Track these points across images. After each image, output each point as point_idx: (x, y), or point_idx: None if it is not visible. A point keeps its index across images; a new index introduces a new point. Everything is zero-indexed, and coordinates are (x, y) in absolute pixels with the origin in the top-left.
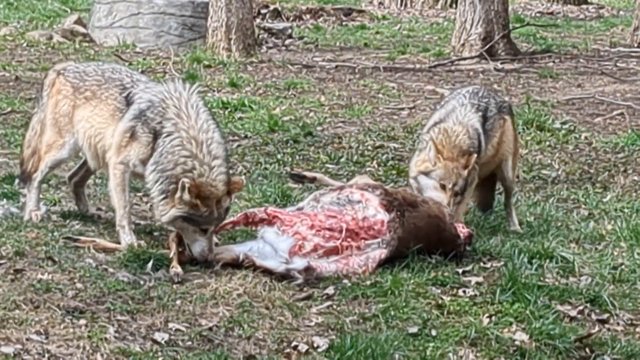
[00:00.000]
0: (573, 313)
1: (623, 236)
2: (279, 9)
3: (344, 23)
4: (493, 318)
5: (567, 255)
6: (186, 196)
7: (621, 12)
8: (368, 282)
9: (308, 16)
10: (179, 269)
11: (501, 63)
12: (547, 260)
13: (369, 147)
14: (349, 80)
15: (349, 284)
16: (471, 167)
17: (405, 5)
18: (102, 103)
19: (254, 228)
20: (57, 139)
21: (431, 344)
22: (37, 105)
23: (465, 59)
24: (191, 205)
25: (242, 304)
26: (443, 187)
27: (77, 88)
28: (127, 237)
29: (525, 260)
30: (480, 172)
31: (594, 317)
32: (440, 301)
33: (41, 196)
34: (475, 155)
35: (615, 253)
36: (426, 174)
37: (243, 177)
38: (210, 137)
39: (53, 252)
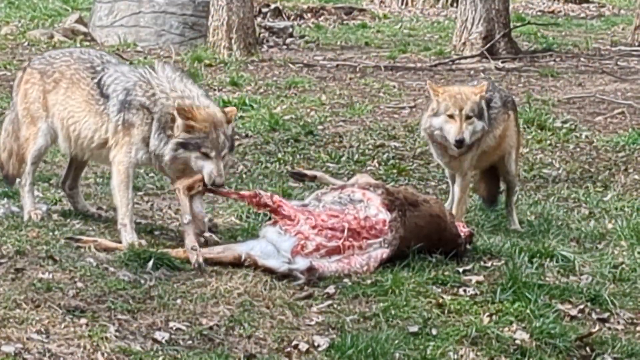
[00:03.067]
0: (573, 312)
1: (624, 235)
2: (280, 7)
3: (344, 22)
4: (493, 317)
5: (567, 254)
6: (179, 120)
7: (622, 11)
8: (368, 281)
9: (309, 15)
10: (201, 258)
11: (502, 62)
12: (548, 259)
13: (370, 146)
14: (350, 79)
15: (350, 283)
16: (484, 94)
17: (406, 4)
18: (74, 86)
19: (257, 210)
20: (31, 130)
21: (432, 343)
22: (9, 107)
23: (466, 57)
24: (187, 128)
25: (243, 303)
26: (452, 117)
27: (44, 72)
28: (128, 236)
29: (526, 259)
30: (481, 163)
31: (594, 316)
32: (440, 300)
33: (42, 196)
34: (486, 83)
35: (616, 252)
36: (435, 114)
37: (234, 107)
38: (191, 87)
39: (54, 251)
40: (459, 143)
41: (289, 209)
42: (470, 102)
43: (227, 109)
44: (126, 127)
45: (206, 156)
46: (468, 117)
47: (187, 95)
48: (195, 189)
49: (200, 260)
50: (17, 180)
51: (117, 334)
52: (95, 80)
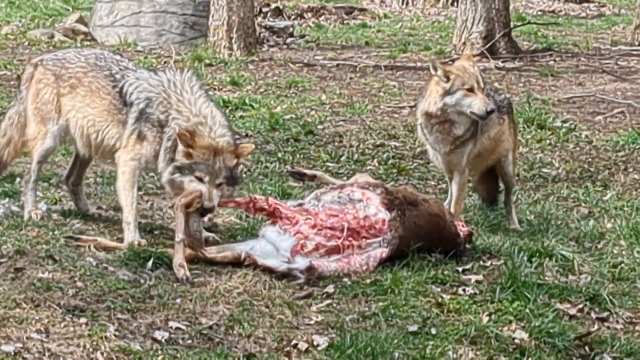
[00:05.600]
0: (573, 311)
1: (623, 234)
2: (281, 7)
3: (345, 21)
4: (493, 316)
5: (566, 253)
6: (179, 145)
7: (622, 11)
8: (368, 281)
9: (309, 14)
10: (188, 272)
11: (502, 61)
12: (547, 259)
13: (370, 146)
14: (350, 78)
15: (349, 283)
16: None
17: (407, 3)
18: (94, 95)
19: (253, 215)
20: (40, 129)
21: (431, 343)
22: (15, 99)
23: None
24: (185, 154)
25: (242, 303)
26: (471, 90)
27: (59, 76)
28: (131, 235)
29: (525, 258)
30: (476, 164)
31: (593, 315)
32: (440, 299)
33: (42, 195)
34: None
35: (615, 251)
36: (448, 92)
37: (252, 144)
38: (213, 112)
39: (54, 251)
40: (489, 113)
41: (285, 211)
42: (480, 75)
43: (243, 145)
44: (140, 138)
45: (200, 180)
46: (484, 89)
47: (208, 122)
48: (194, 206)
49: (188, 274)
50: (17, 179)
51: (117, 333)
52: (117, 90)
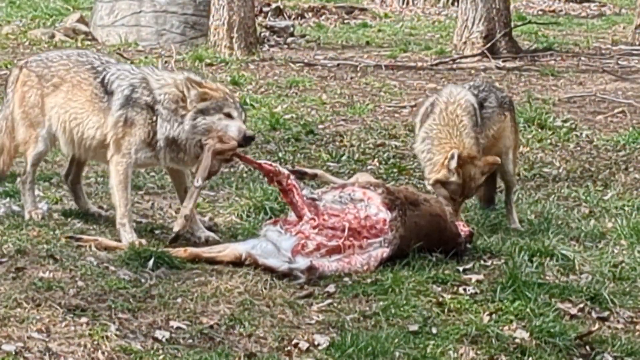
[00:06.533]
0: (573, 311)
1: (623, 234)
2: (281, 7)
3: (345, 21)
4: (493, 316)
5: (567, 253)
6: (193, 91)
7: (623, 10)
8: (369, 280)
9: (310, 14)
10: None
11: (503, 61)
12: (548, 258)
13: (371, 145)
14: (351, 78)
15: (350, 282)
16: None
17: (407, 3)
18: (76, 88)
19: (269, 183)
20: (30, 133)
21: (431, 342)
22: (2, 103)
23: (466, 57)
24: (202, 95)
25: (243, 302)
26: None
27: (42, 76)
28: (127, 235)
29: (526, 258)
30: None
31: (594, 314)
32: (440, 299)
33: (42, 195)
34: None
35: (616, 251)
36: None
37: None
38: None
39: (54, 251)
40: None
41: (297, 198)
42: None
43: None
44: (127, 124)
45: (229, 116)
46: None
47: (193, 77)
48: (224, 155)
49: (184, 232)
50: (18, 179)
51: (118, 332)
52: (99, 80)
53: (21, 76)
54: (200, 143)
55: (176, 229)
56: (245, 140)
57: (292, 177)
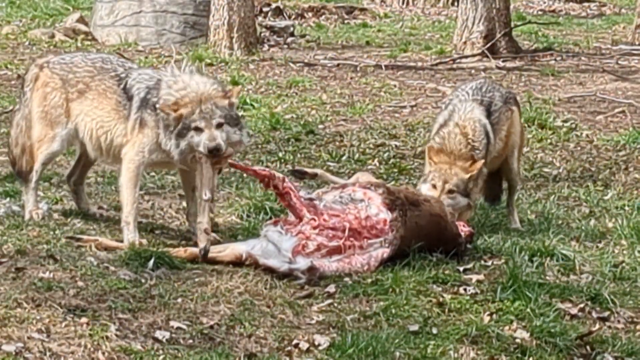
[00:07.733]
0: (574, 311)
1: (624, 234)
2: (281, 7)
3: (345, 21)
4: (494, 316)
5: (568, 253)
6: (169, 117)
7: (623, 10)
8: (369, 280)
9: (310, 14)
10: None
11: (503, 61)
12: (548, 258)
13: (371, 145)
14: (351, 78)
15: (350, 282)
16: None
17: (407, 3)
18: (101, 96)
19: (265, 189)
20: (47, 132)
21: (432, 342)
22: (19, 102)
23: (467, 56)
24: (177, 118)
25: (243, 302)
26: (434, 187)
27: (66, 80)
28: (130, 234)
29: (526, 258)
30: (492, 165)
31: (594, 314)
32: (441, 299)
33: (43, 195)
34: (481, 162)
35: (616, 251)
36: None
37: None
38: (194, 77)
39: (54, 251)
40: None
41: (295, 200)
42: (456, 179)
43: (230, 88)
44: (141, 125)
45: (198, 130)
46: (450, 192)
47: (191, 85)
48: (221, 164)
49: (209, 247)
50: (30, 175)
51: (118, 333)
52: (122, 87)
53: (42, 76)
54: (194, 158)
55: (201, 245)
56: (211, 153)
57: (287, 180)
